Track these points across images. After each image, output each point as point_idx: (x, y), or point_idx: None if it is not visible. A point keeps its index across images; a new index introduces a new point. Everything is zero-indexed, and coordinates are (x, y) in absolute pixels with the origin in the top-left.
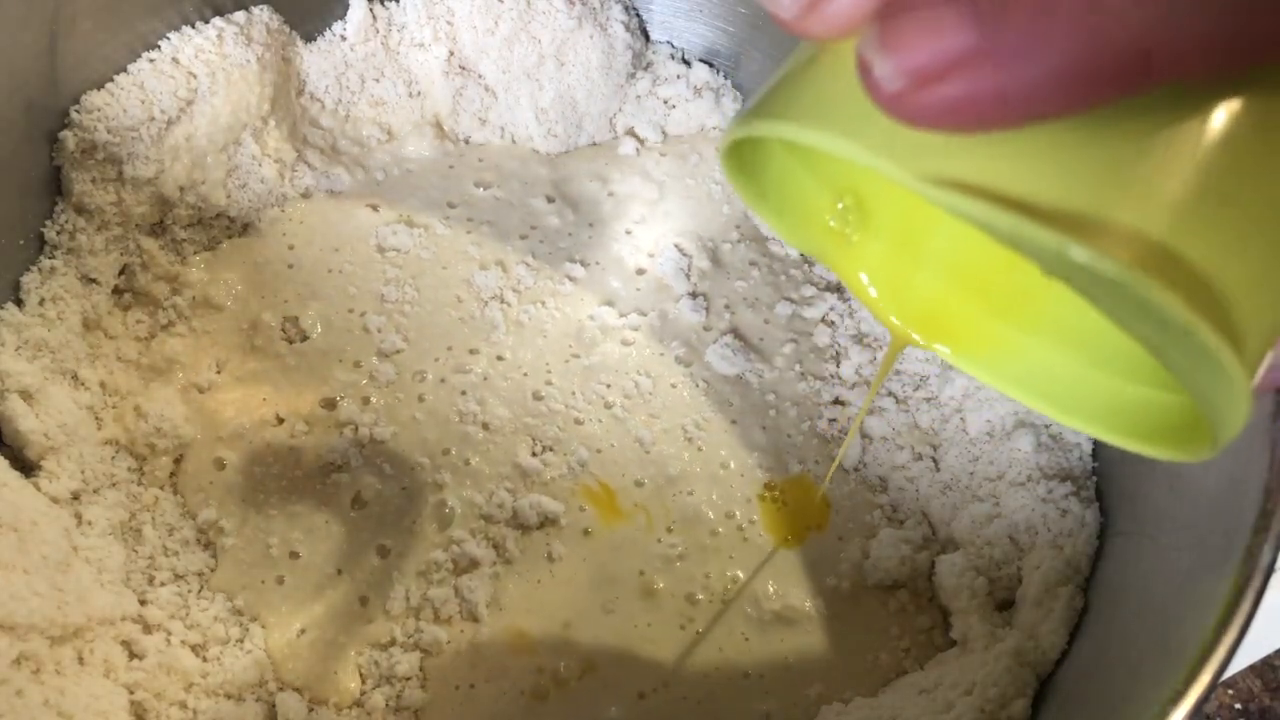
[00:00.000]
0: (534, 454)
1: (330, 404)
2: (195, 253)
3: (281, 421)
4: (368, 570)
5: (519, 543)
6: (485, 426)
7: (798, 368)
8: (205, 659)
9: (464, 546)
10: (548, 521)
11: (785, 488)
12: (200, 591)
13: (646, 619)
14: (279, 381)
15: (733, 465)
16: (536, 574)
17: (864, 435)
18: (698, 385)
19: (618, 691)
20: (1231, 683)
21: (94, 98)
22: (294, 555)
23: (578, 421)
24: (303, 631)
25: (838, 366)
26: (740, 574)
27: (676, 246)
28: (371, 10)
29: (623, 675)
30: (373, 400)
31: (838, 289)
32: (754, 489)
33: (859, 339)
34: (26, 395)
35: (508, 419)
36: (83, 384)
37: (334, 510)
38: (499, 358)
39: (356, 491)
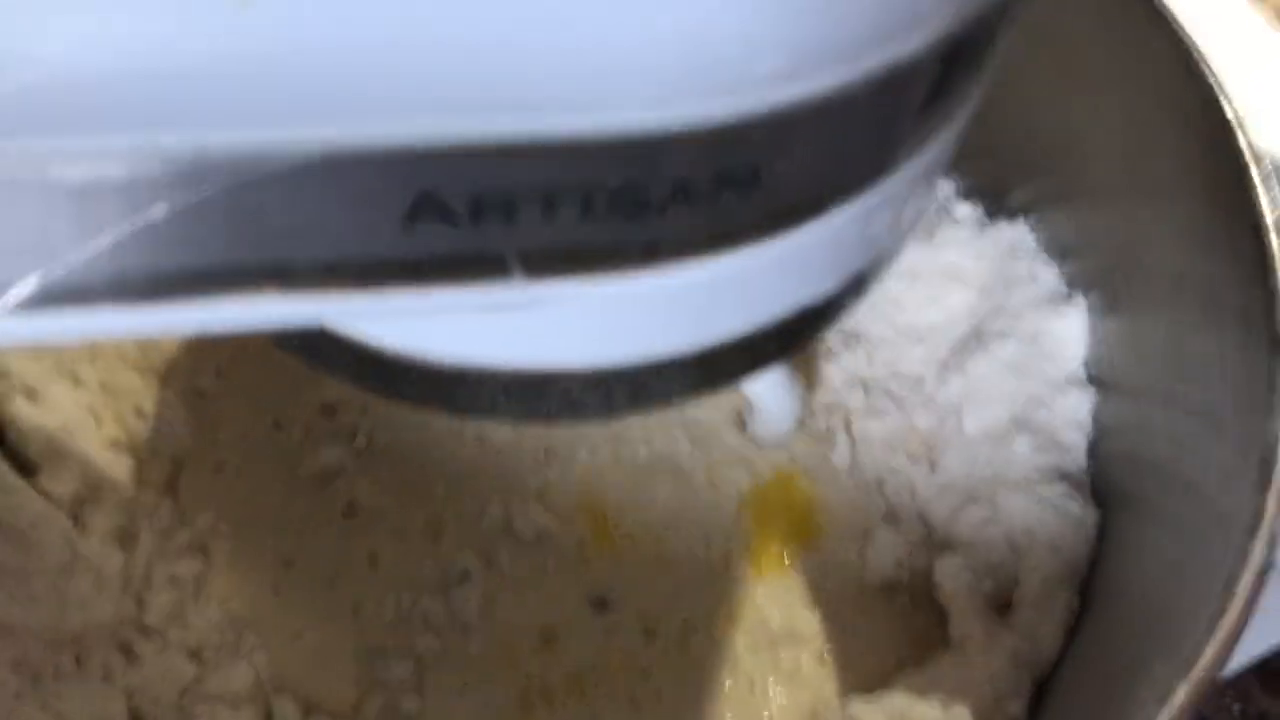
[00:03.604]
0: (533, 463)
1: (329, 411)
2: None
3: (280, 428)
4: (360, 579)
5: (513, 556)
6: (480, 439)
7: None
8: (202, 664)
9: (457, 558)
10: (544, 536)
11: (769, 491)
12: (197, 595)
13: (640, 640)
14: (279, 387)
15: (727, 468)
16: (529, 588)
17: (861, 437)
18: None
19: (609, 703)
20: (1230, 683)
21: None
22: (289, 563)
23: (574, 427)
24: (298, 637)
25: (829, 365)
26: (735, 592)
27: None
28: None
29: (614, 690)
30: (371, 408)
31: None
32: (744, 493)
33: (854, 337)
34: (28, 395)
35: (506, 428)
36: (83, 384)
37: (329, 518)
38: None
39: (351, 499)
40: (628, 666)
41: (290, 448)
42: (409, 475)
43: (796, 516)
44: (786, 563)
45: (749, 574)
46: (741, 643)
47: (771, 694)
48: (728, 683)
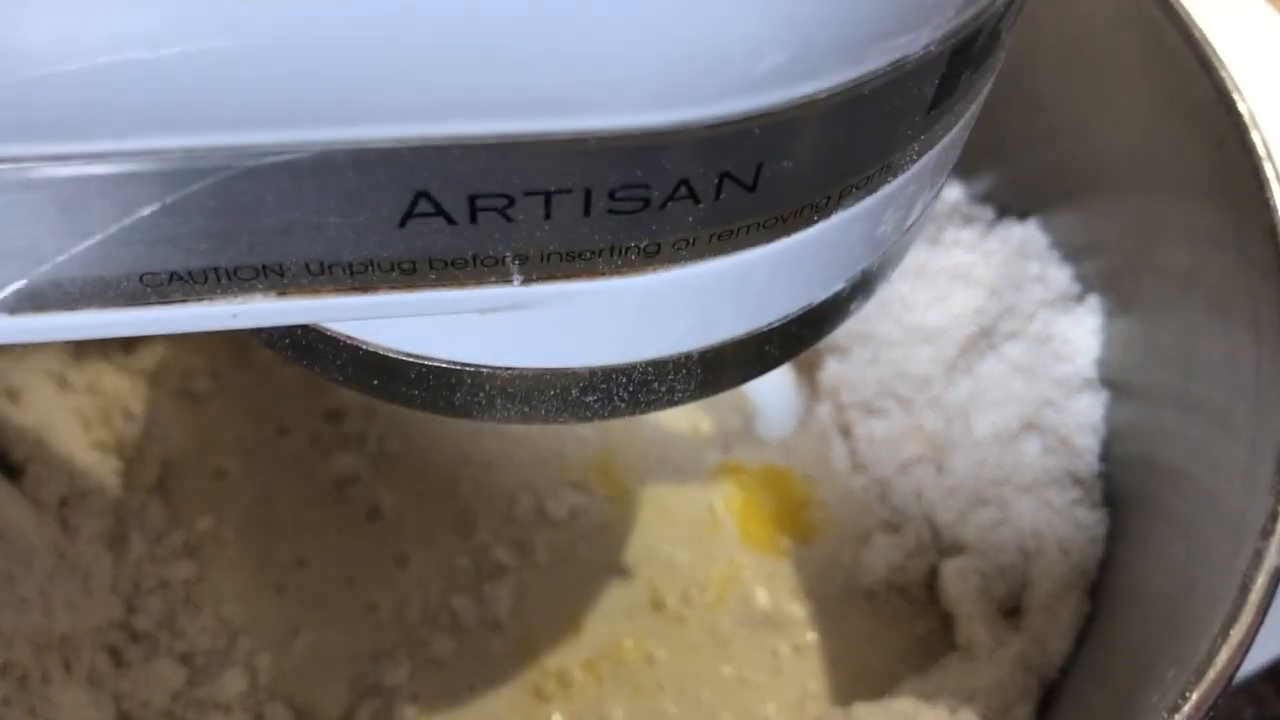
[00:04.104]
0: (553, 446)
1: (334, 417)
2: None
3: (286, 433)
4: (384, 579)
5: (548, 543)
6: (499, 431)
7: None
8: (193, 668)
9: (489, 552)
10: (576, 511)
11: (763, 479)
12: (188, 599)
13: (647, 618)
14: (279, 393)
15: (733, 449)
16: (560, 575)
17: (866, 437)
18: None
19: (618, 692)
20: (1243, 688)
21: None
22: (301, 564)
23: None
24: (294, 641)
25: (834, 365)
26: (732, 572)
27: None
28: None
29: (622, 675)
30: (377, 412)
31: None
32: (738, 479)
33: (861, 337)
34: (13, 397)
35: None
36: (69, 386)
37: (350, 522)
38: None
39: (374, 505)
40: (638, 649)
41: (300, 454)
42: (430, 476)
43: (791, 511)
44: (778, 547)
45: (744, 561)
46: (737, 631)
47: (760, 683)
48: (722, 673)
